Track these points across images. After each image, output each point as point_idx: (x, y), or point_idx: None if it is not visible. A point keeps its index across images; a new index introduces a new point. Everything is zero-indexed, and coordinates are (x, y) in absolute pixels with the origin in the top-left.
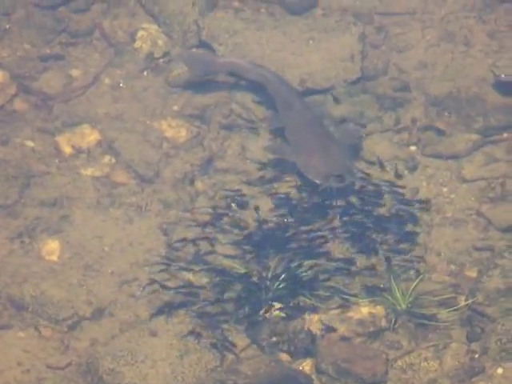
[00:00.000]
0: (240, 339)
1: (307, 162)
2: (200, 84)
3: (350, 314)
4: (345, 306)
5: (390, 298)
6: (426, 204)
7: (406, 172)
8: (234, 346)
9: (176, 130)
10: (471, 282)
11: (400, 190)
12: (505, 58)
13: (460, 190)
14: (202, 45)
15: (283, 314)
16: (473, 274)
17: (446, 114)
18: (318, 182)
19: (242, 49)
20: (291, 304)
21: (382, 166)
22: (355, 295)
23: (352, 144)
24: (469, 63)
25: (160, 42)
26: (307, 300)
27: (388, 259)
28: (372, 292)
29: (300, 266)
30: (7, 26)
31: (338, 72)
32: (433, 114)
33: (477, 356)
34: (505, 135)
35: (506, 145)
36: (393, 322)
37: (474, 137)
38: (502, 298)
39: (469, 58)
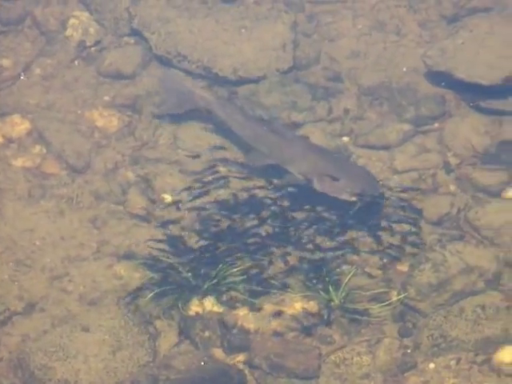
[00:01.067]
0: (173, 334)
1: (336, 183)
2: (131, 75)
3: (284, 308)
4: (278, 301)
5: (323, 293)
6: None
7: None
8: None
9: (107, 120)
10: (403, 277)
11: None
12: (436, 48)
13: (392, 181)
14: (134, 33)
15: (220, 310)
16: (404, 268)
17: (378, 103)
18: (353, 199)
19: (174, 38)
20: (224, 299)
21: None
22: (289, 290)
23: None
24: (400, 53)
25: (92, 30)
26: (240, 295)
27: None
28: (305, 287)
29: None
30: None
31: (270, 61)
32: (365, 104)
33: (409, 351)
34: (436, 125)
35: (437, 135)
36: (326, 317)
37: (406, 127)
38: (434, 293)
39: (400, 47)
